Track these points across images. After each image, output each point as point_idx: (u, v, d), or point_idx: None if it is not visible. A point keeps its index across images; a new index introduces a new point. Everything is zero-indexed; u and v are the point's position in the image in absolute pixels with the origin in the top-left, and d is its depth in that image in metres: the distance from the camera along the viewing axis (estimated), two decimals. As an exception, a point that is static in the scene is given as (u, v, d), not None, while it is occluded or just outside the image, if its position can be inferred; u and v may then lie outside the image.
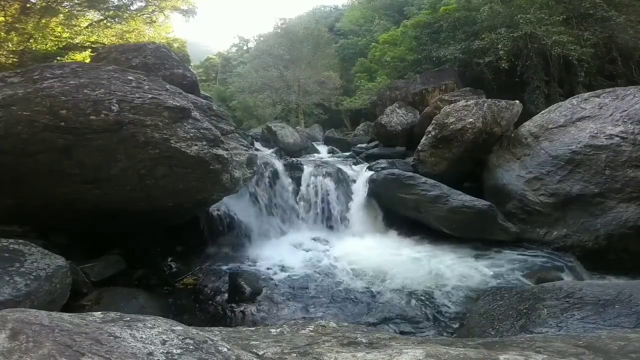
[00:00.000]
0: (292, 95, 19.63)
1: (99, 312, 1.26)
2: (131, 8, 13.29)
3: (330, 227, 6.02)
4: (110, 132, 3.19)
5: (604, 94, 5.34)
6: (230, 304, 3.73)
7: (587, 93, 5.75)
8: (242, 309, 3.66)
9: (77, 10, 12.09)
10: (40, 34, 10.58)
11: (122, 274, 3.90)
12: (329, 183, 6.29)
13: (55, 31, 11.47)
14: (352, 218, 6.05)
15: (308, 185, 6.23)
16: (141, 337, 1.04)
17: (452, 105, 6.48)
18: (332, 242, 5.57)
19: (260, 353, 1.22)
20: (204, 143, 3.65)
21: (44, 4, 10.89)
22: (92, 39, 12.46)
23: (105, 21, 12.95)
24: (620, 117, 4.82)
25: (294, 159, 7.32)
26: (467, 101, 6.48)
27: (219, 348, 1.09)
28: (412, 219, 5.61)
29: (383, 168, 6.48)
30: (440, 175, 5.91)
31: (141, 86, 3.62)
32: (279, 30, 21.68)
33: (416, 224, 5.58)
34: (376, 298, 3.84)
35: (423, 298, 3.80)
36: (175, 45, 16.72)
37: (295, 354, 1.21)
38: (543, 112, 6.03)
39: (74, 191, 3.35)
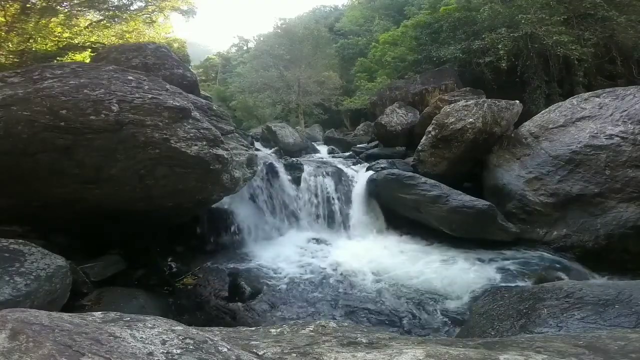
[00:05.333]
0: (292, 95, 19.57)
1: (99, 312, 1.26)
2: (131, 8, 13.25)
3: (330, 227, 6.01)
4: (110, 132, 3.19)
5: (604, 94, 5.34)
6: (230, 304, 3.73)
7: (587, 93, 5.75)
8: (242, 309, 3.66)
9: (77, 11, 12.06)
10: (40, 34, 10.55)
11: (122, 274, 3.90)
12: (329, 183, 6.29)
13: (55, 31, 11.45)
14: (352, 218, 6.05)
15: (308, 185, 6.22)
16: (141, 337, 1.04)
17: (452, 105, 6.48)
18: (332, 242, 5.57)
19: (260, 353, 1.22)
20: (204, 143, 3.65)
21: (44, 4, 10.86)
22: (92, 39, 12.43)
23: (105, 21, 12.91)
24: (620, 117, 4.82)
25: (294, 159, 7.32)
26: (467, 101, 6.48)
27: (219, 348, 1.09)
28: (412, 219, 5.61)
29: (383, 168, 6.48)
30: (440, 175, 5.92)
31: (141, 86, 3.62)
32: (279, 30, 21.60)
33: (416, 224, 5.58)
34: (376, 298, 3.84)
35: (423, 298, 3.80)
36: (175, 45, 16.71)
37: (295, 354, 1.21)
38: (543, 112, 6.03)
39: (74, 191, 3.35)
